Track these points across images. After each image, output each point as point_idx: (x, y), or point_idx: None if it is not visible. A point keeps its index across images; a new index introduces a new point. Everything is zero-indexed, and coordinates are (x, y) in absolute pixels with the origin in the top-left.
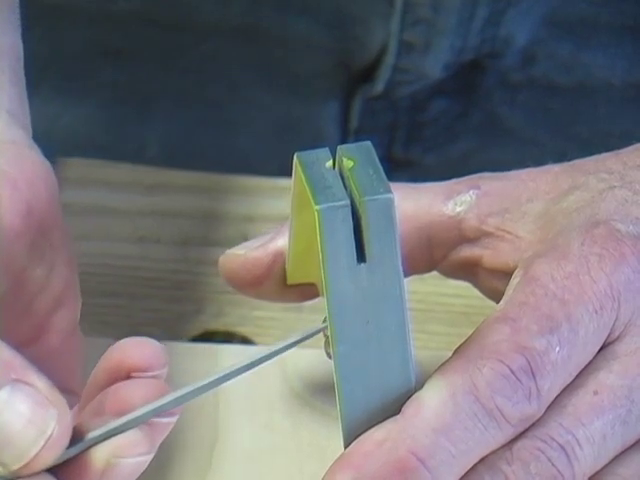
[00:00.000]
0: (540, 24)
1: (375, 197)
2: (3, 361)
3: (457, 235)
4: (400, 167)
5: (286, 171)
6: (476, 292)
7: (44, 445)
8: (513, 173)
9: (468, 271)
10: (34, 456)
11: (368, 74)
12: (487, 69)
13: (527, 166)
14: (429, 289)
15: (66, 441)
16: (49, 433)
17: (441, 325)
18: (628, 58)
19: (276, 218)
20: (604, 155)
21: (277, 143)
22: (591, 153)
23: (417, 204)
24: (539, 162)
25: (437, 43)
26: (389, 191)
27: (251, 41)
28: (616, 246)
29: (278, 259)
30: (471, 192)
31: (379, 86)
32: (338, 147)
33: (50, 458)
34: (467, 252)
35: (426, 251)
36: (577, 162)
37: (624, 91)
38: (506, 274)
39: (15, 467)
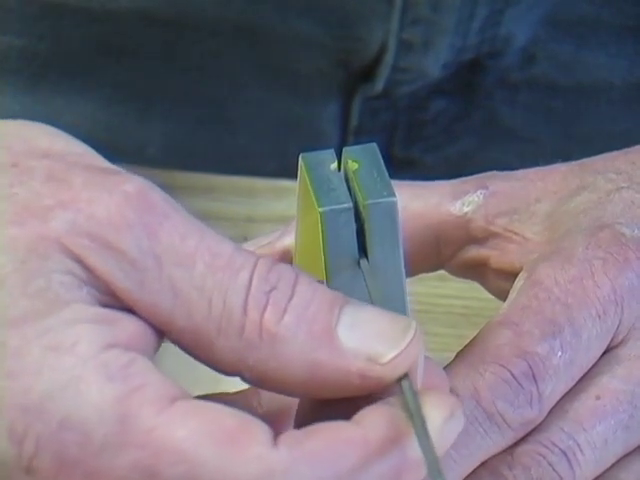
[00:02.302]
0: (540, 24)
1: (378, 200)
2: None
3: (465, 235)
4: (401, 167)
5: (286, 170)
6: (476, 293)
7: (412, 339)
8: (521, 172)
9: (476, 271)
10: (406, 345)
11: (368, 73)
12: (487, 68)
13: (527, 166)
14: (428, 290)
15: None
16: (413, 330)
17: (440, 326)
18: (629, 58)
19: (277, 219)
20: (613, 154)
21: (277, 142)
22: (592, 153)
23: (425, 203)
24: (539, 162)
25: (437, 42)
26: (393, 195)
27: (251, 40)
28: (620, 250)
29: (285, 257)
30: (479, 192)
31: (379, 85)
32: (343, 149)
33: (415, 353)
34: (475, 252)
35: (434, 250)
36: (586, 161)
37: (625, 91)
38: (513, 275)
39: (391, 355)
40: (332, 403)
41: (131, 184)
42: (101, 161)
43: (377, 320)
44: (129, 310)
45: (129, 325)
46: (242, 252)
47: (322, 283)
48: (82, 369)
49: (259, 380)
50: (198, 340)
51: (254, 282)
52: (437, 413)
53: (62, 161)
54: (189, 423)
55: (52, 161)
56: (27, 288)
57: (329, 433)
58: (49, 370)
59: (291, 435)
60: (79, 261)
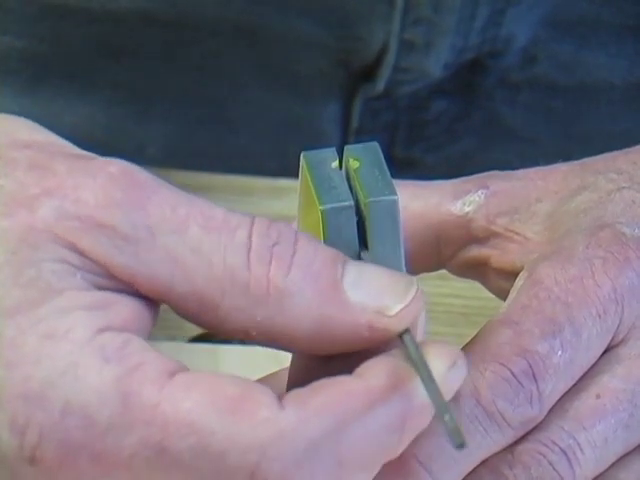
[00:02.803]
0: (541, 24)
1: (379, 199)
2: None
3: (465, 235)
4: (402, 167)
5: (286, 170)
6: (476, 292)
7: (415, 293)
8: (522, 172)
9: (476, 271)
10: (411, 299)
11: (369, 73)
12: (488, 69)
13: (528, 166)
14: (428, 289)
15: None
16: (415, 285)
17: (440, 325)
18: (629, 58)
19: (276, 218)
20: (613, 154)
21: (277, 142)
22: (592, 153)
23: (426, 203)
24: (540, 162)
25: (438, 42)
26: (394, 193)
27: (251, 40)
28: (620, 250)
29: None
30: (480, 192)
31: (380, 86)
32: (345, 147)
33: (419, 307)
34: (475, 252)
35: (434, 250)
36: (586, 161)
37: (625, 91)
38: (514, 275)
39: (398, 307)
40: (329, 365)
41: (114, 166)
42: (80, 151)
43: (380, 276)
44: (127, 290)
45: (124, 307)
46: (236, 213)
47: None
48: (79, 354)
49: (266, 337)
50: (202, 304)
51: (254, 238)
52: (440, 362)
53: (44, 150)
54: (192, 394)
55: (34, 151)
56: (19, 278)
57: (332, 388)
58: (47, 358)
59: (295, 394)
60: (71, 246)
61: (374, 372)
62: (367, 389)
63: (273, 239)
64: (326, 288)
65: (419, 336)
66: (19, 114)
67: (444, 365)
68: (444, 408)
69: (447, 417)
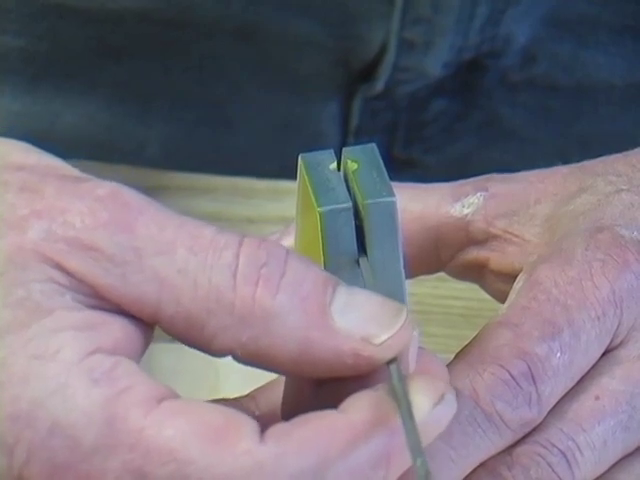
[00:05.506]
0: (540, 23)
1: (377, 200)
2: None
3: (464, 237)
4: (401, 167)
5: (286, 171)
6: (474, 294)
7: (404, 322)
8: (521, 174)
9: (475, 273)
10: (399, 328)
11: (368, 73)
12: (487, 68)
13: (527, 166)
14: (427, 291)
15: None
16: (405, 314)
17: (439, 327)
18: (628, 58)
19: (276, 220)
20: (613, 157)
21: (277, 142)
22: (592, 153)
23: (425, 205)
24: (539, 162)
25: (437, 42)
26: (392, 194)
27: (251, 40)
28: (619, 252)
29: None
30: (479, 194)
31: (379, 85)
32: (343, 149)
33: (407, 336)
34: (474, 254)
35: (433, 252)
36: (586, 163)
37: (625, 91)
38: (513, 277)
39: (385, 336)
40: (320, 389)
41: (102, 189)
42: (74, 171)
43: (370, 302)
44: (117, 310)
45: (114, 328)
46: (225, 233)
47: None
48: (68, 375)
49: (252, 357)
50: (189, 324)
51: (241, 259)
52: (425, 398)
53: (35, 173)
54: (176, 422)
55: (26, 173)
56: (8, 298)
57: (315, 422)
58: (35, 378)
59: (278, 428)
60: (59, 267)
61: (358, 407)
62: (350, 425)
63: (262, 259)
64: (313, 311)
65: (411, 366)
66: (19, 113)
67: (429, 402)
68: (417, 451)
69: (419, 462)
